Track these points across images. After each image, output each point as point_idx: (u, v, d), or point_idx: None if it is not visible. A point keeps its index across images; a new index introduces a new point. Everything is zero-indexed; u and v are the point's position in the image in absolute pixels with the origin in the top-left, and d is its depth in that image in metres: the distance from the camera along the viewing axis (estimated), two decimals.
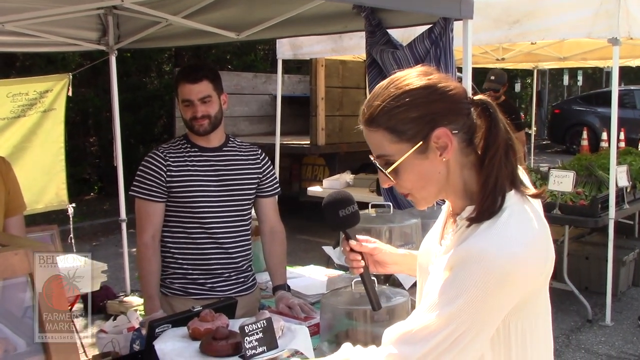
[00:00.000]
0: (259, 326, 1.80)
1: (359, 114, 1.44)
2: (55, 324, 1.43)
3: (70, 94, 5.46)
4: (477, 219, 1.33)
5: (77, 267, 4.31)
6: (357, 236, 1.70)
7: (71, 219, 5.53)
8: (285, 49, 7.02)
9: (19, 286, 1.88)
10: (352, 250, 1.69)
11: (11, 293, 1.93)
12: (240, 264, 2.85)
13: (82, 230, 8.14)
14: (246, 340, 1.77)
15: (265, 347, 1.79)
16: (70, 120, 5.60)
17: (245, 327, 1.78)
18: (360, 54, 6.62)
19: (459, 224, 1.40)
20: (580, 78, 19.73)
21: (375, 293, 1.68)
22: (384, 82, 1.41)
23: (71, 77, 5.50)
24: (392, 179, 1.40)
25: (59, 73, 5.78)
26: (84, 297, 5.36)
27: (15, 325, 1.56)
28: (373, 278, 1.74)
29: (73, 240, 5.48)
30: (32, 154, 5.30)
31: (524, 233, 1.31)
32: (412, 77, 1.38)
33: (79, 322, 5.38)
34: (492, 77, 6.87)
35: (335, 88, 8.71)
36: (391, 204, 2.83)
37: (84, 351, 4.56)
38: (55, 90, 5.40)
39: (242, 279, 2.86)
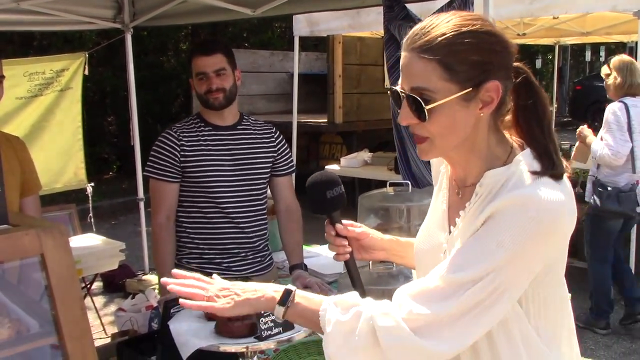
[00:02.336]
0: None
1: (376, 90, 1.36)
2: (68, 305, 1.41)
3: (86, 72, 5.46)
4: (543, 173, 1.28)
5: (96, 246, 4.35)
6: (343, 220, 1.58)
7: (90, 198, 5.55)
8: (302, 25, 6.93)
9: (34, 266, 1.88)
10: (337, 235, 1.57)
11: (27, 274, 1.92)
12: (257, 243, 2.83)
13: (101, 209, 8.19)
14: (261, 321, 1.75)
15: (281, 328, 1.77)
16: (88, 99, 5.60)
17: None
18: (378, 30, 6.52)
19: (479, 192, 1.32)
20: (602, 54, 19.36)
21: (361, 281, 1.57)
22: (443, 15, 1.30)
23: (87, 55, 5.49)
24: (418, 117, 1.28)
25: (76, 52, 5.77)
26: (103, 276, 5.43)
27: (28, 306, 1.54)
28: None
29: (92, 219, 5.51)
30: (50, 134, 5.32)
31: (563, 185, 1.28)
32: (477, 19, 1.29)
33: (99, 300, 5.43)
34: None
35: (352, 65, 8.63)
36: (409, 183, 2.78)
37: (104, 329, 4.61)
38: (72, 69, 5.40)
39: (259, 259, 2.84)
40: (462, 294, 1.20)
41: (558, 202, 1.22)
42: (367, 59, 8.79)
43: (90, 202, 5.54)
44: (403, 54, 1.30)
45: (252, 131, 2.84)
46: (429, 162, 3.45)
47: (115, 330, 4.07)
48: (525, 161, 1.30)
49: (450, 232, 1.39)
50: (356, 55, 8.71)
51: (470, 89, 1.26)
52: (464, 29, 1.25)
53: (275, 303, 1.33)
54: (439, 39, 1.24)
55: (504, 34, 1.31)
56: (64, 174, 5.45)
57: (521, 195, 1.22)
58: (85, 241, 4.29)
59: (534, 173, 1.27)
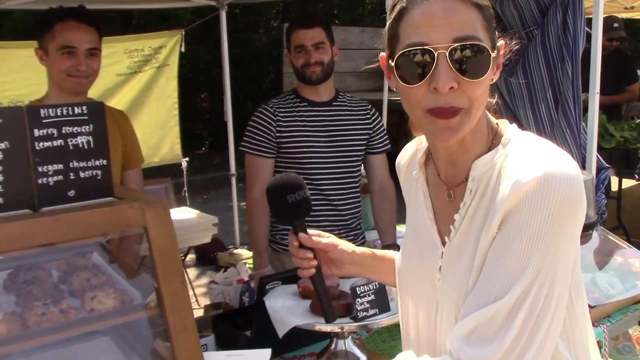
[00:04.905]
0: (371, 288, 1.74)
1: None
2: (169, 276, 1.43)
3: (183, 50, 5.57)
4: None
5: (190, 219, 4.47)
6: (308, 230, 1.39)
7: (185, 172, 5.70)
8: None
9: (133, 238, 1.93)
10: (301, 245, 1.37)
11: (126, 245, 1.98)
12: (350, 222, 2.80)
13: (194, 183, 8.43)
14: (357, 301, 1.72)
15: (377, 310, 1.73)
16: (182, 76, 5.72)
17: (357, 288, 1.73)
18: None
19: (472, 188, 1.14)
20: None
21: (329, 300, 1.40)
22: None
23: (183, 33, 5.60)
24: (471, 76, 1.06)
25: (172, 30, 5.91)
26: (196, 248, 5.59)
27: (131, 276, 1.58)
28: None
29: (187, 193, 5.66)
30: (148, 109, 5.49)
31: (561, 151, 1.09)
32: None
33: (192, 272, 5.59)
34: (616, 25, 6.30)
35: None
36: None
37: (196, 300, 4.75)
38: (169, 46, 5.53)
39: (352, 237, 2.81)
40: (518, 315, 1.02)
41: (567, 168, 1.04)
42: None
43: (185, 176, 5.69)
44: (430, 2, 1.06)
45: (347, 108, 2.80)
46: None
47: (207, 301, 4.17)
48: (515, 137, 1.14)
49: (444, 243, 1.20)
50: None
51: (498, 44, 1.12)
52: None
53: None
54: None
55: None
56: (161, 148, 5.62)
57: (530, 181, 1.02)
58: (180, 214, 4.41)
59: (530, 145, 1.09)
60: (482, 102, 1.11)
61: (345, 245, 1.45)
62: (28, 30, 8.85)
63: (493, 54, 1.08)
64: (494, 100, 1.21)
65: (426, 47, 1.05)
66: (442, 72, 1.04)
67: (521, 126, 3.36)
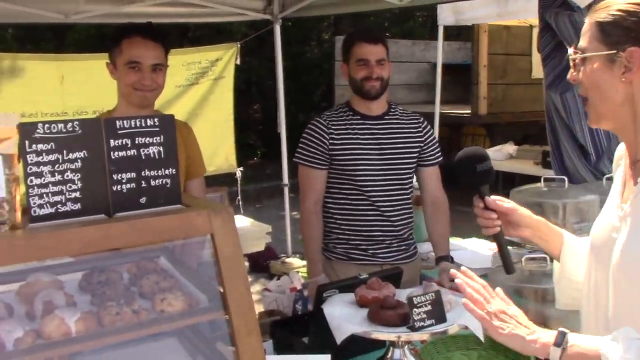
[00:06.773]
0: (428, 298, 1.77)
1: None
2: (234, 281, 1.49)
3: (238, 62, 5.69)
4: None
5: (244, 227, 4.56)
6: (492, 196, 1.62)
7: (239, 182, 5.81)
8: (447, 14, 6.78)
9: (195, 244, 2.00)
10: (486, 208, 1.61)
11: (188, 250, 2.06)
12: (402, 232, 2.83)
13: (247, 193, 8.54)
14: (414, 311, 1.74)
15: (433, 320, 1.76)
16: (236, 88, 5.85)
17: (414, 298, 1.76)
18: (526, 19, 6.26)
19: None
20: None
21: (509, 255, 1.61)
22: None
23: (239, 46, 5.72)
24: (572, 73, 1.41)
25: (227, 43, 6.04)
26: (249, 256, 5.68)
27: (197, 281, 1.65)
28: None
29: (240, 202, 5.76)
30: (204, 120, 5.61)
31: None
32: None
33: None
34: None
35: (498, 55, 8.35)
36: (565, 178, 2.65)
37: None
38: (225, 59, 5.66)
39: (404, 247, 2.84)
40: None
41: None
42: (514, 48, 8.46)
43: (239, 185, 5.79)
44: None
45: (399, 121, 2.84)
46: (584, 156, 3.28)
47: (260, 308, 4.25)
48: None
49: (623, 210, 1.41)
50: (502, 45, 8.42)
51: (615, 51, 1.36)
52: (632, 8, 1.36)
53: (549, 347, 1.29)
54: (604, 5, 1.39)
55: None
56: (216, 158, 5.73)
57: None
58: (235, 222, 4.51)
59: None
60: (595, 93, 1.41)
61: (524, 210, 1.64)
62: (90, 42, 9.16)
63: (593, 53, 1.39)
64: None
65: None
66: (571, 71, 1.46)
67: (577, 142, 3.30)
